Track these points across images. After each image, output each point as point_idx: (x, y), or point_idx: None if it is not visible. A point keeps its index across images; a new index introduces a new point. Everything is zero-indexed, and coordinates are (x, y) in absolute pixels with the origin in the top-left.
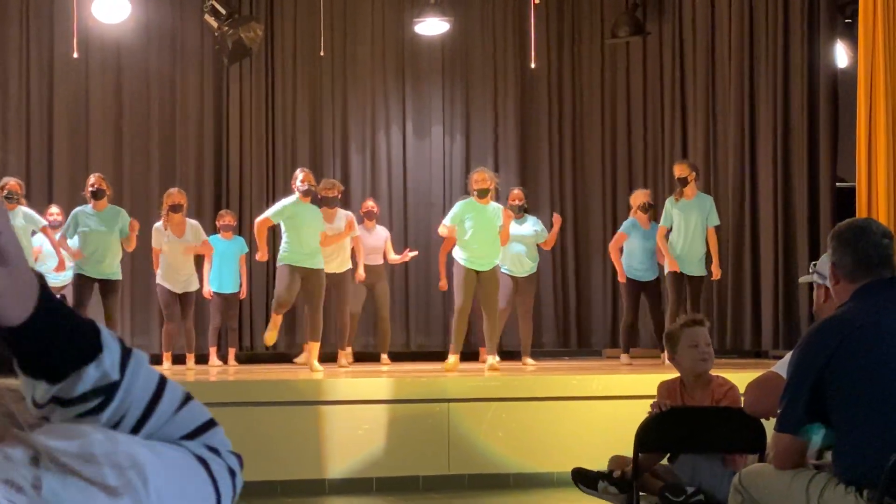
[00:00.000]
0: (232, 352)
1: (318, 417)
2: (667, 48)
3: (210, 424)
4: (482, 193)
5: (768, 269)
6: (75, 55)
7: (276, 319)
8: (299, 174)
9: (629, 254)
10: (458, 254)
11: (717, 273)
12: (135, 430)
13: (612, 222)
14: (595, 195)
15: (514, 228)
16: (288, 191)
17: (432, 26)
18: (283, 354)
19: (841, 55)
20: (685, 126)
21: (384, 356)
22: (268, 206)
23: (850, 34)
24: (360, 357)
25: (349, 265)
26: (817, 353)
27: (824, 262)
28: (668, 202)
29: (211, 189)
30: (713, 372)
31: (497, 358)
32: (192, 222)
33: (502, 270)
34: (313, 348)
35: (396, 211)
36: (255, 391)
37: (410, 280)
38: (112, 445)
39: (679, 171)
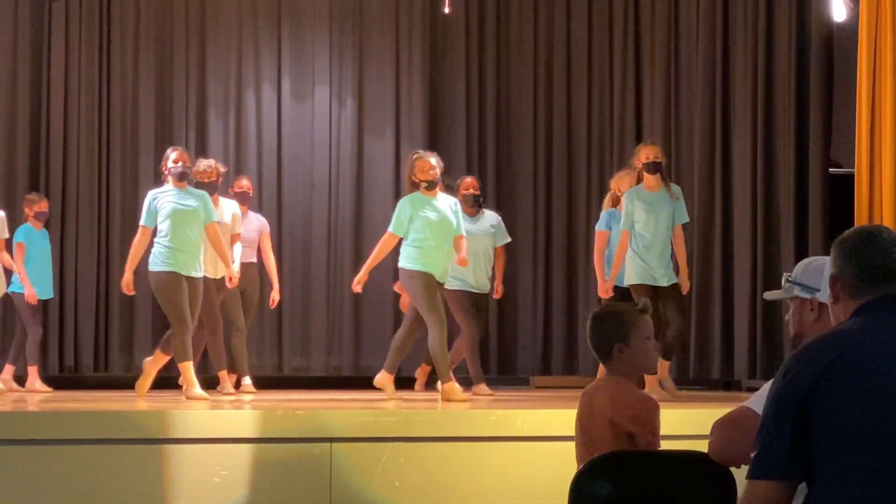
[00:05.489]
0: (34, 370)
1: (162, 460)
2: None
3: None
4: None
5: (744, 277)
6: None
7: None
8: (171, 153)
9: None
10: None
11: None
12: None
13: (544, 215)
14: (524, 180)
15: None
16: (126, 167)
17: None
18: (112, 378)
19: (838, 6)
20: (639, 93)
21: (244, 380)
22: (100, 186)
23: None
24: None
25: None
26: (801, 379)
27: (810, 273)
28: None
29: (26, 166)
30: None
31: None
32: None
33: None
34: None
35: (268, 195)
36: (77, 425)
37: (284, 286)
38: None
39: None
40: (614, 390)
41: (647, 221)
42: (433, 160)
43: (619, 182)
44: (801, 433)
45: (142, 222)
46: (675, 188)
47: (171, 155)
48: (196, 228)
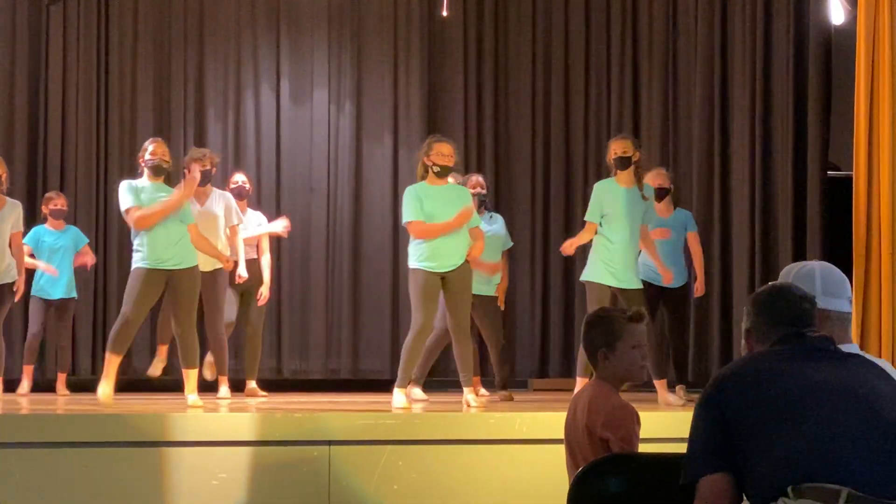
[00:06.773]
0: (62, 377)
1: (160, 463)
2: None
3: None
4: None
5: (741, 279)
6: None
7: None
8: (149, 146)
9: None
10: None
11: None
12: None
13: (542, 218)
14: (522, 183)
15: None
16: (124, 169)
17: None
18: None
19: (836, 9)
20: (637, 96)
21: (251, 383)
22: (98, 189)
23: None
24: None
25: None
26: (719, 391)
27: (801, 279)
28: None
29: (24, 168)
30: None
31: (477, 392)
32: (12, 201)
33: None
34: (189, 376)
35: (266, 198)
36: (74, 428)
37: (283, 289)
38: None
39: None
40: (591, 396)
41: (615, 219)
42: (452, 146)
43: (651, 181)
44: (724, 431)
45: (132, 204)
46: (648, 188)
47: (149, 147)
48: (167, 224)
